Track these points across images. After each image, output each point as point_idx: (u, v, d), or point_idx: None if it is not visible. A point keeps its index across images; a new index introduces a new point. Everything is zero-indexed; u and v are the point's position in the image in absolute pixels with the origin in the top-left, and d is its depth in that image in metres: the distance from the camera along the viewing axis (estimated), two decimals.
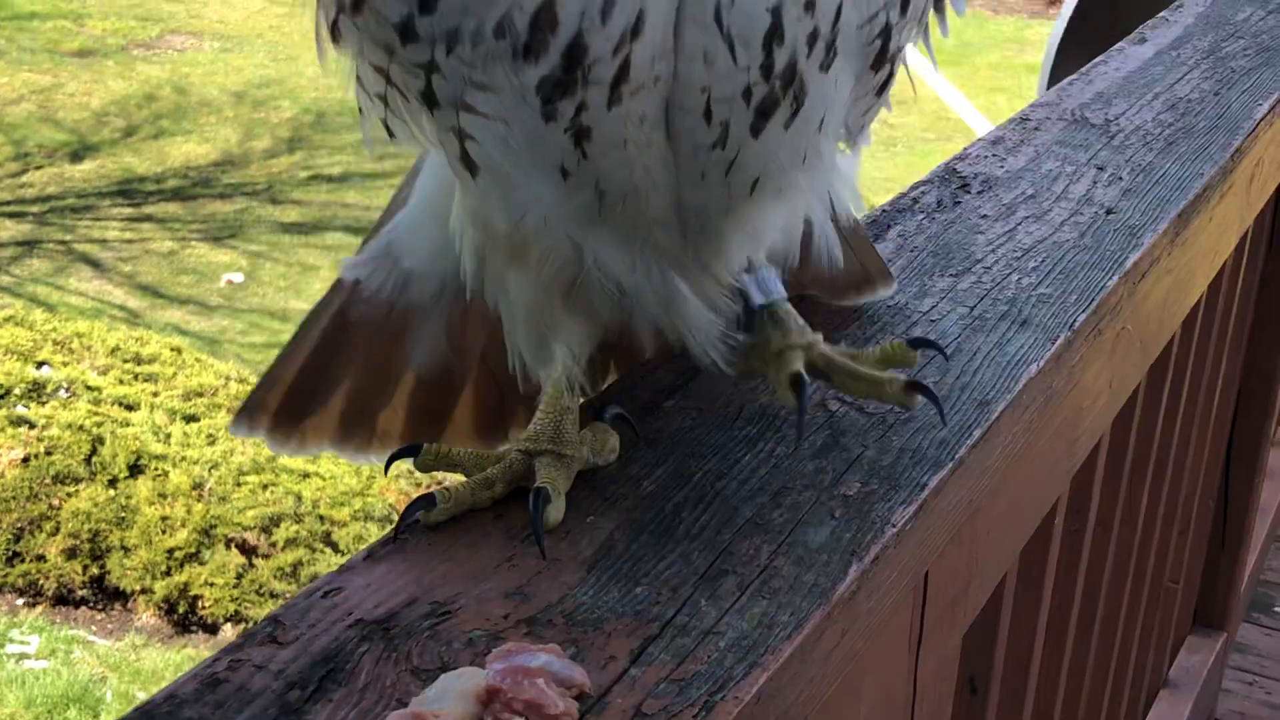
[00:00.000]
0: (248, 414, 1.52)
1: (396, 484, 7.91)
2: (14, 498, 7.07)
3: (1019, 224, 1.76)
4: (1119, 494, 2.24)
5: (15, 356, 8.06)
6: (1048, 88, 2.33)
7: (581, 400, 1.27)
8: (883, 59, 1.21)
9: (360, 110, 1.28)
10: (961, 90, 15.45)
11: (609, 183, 1.17)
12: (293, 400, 1.51)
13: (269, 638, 0.97)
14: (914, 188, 1.86)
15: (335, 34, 1.18)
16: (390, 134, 1.24)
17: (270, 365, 1.54)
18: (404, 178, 1.48)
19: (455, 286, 1.37)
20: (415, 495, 1.18)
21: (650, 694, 0.95)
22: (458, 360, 1.49)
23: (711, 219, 1.23)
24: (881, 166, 13.41)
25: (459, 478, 1.20)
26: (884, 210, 1.78)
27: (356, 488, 7.45)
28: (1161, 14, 2.73)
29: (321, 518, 7.31)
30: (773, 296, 1.33)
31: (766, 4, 1.09)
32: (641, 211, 1.20)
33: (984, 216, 1.78)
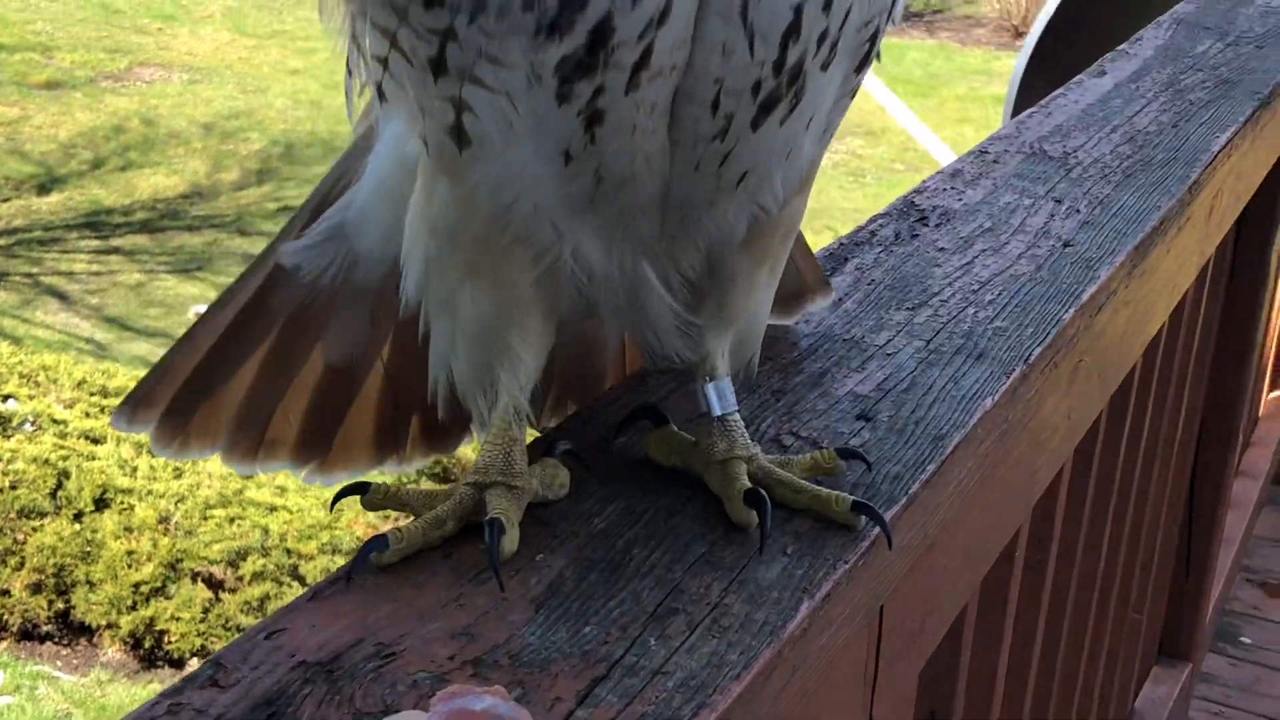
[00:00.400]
0: (130, 406, 1.42)
1: (365, 517, 7.88)
2: None
3: (976, 257, 1.76)
4: (1082, 524, 2.24)
5: None
6: (1012, 118, 2.34)
7: (530, 438, 1.26)
8: (866, 61, 1.25)
9: (348, 71, 1.26)
10: (929, 121, 15.52)
11: (608, 169, 1.17)
12: (184, 395, 1.41)
13: (210, 681, 0.95)
14: (872, 220, 1.86)
15: None
16: (382, 98, 1.21)
17: (165, 354, 1.43)
18: (341, 155, 1.42)
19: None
20: (385, 529, 1.16)
21: None
22: (367, 357, 1.43)
23: (694, 209, 1.24)
24: (850, 197, 13.46)
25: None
26: (841, 243, 1.78)
27: (324, 521, 7.42)
28: (1121, 47, 2.74)
29: (289, 551, 7.27)
30: (729, 409, 1.32)
31: (790, 1, 1.11)
32: (631, 200, 1.20)
33: (941, 249, 1.78)
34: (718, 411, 1.30)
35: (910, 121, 15.48)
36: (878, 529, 1.20)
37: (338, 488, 1.27)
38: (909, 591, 1.35)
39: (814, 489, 1.25)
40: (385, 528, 1.20)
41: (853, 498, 1.22)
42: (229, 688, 0.95)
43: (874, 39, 1.23)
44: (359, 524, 7.85)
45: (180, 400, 1.41)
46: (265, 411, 1.42)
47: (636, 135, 1.15)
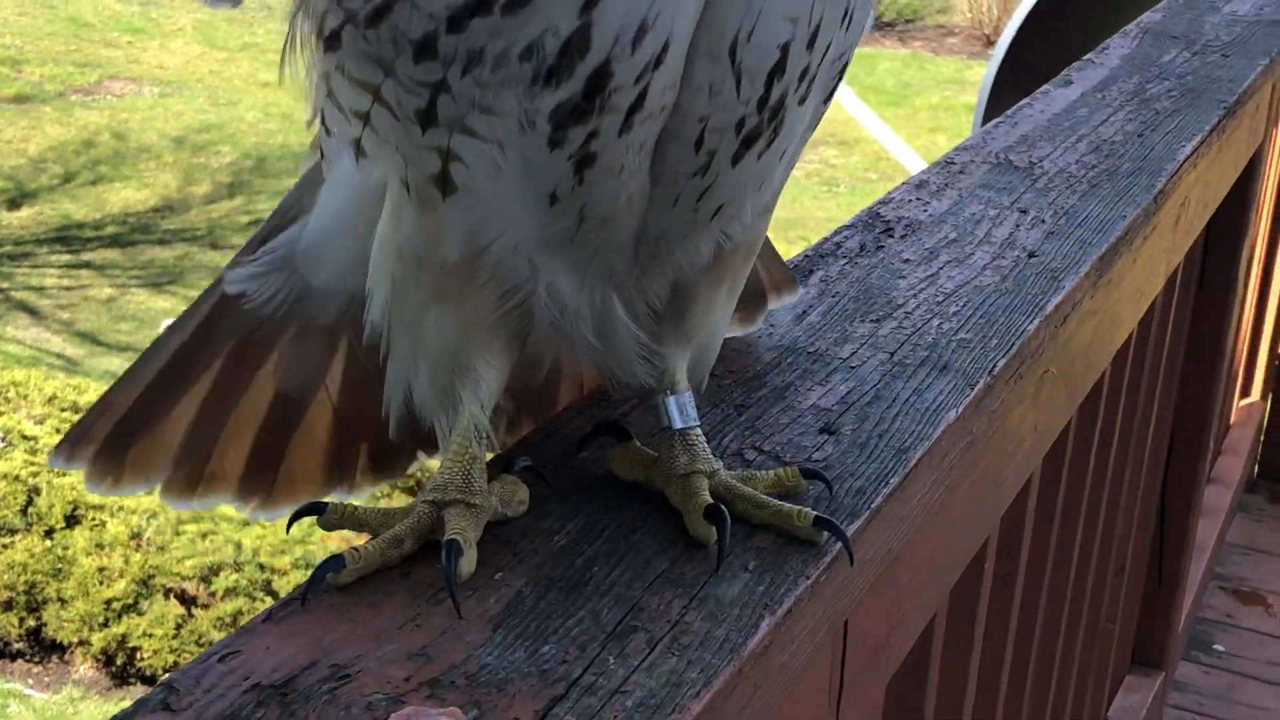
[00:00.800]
0: (69, 443, 1.38)
1: (340, 532, 7.83)
2: None
3: (941, 268, 1.75)
4: (1051, 535, 2.23)
5: None
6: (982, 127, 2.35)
7: (490, 454, 1.25)
8: (833, 92, 1.26)
9: (325, 128, 1.23)
10: (902, 131, 15.56)
11: (593, 209, 1.16)
12: (123, 429, 1.38)
13: (162, 704, 0.94)
14: (837, 232, 1.85)
15: (332, 43, 1.14)
16: (361, 154, 1.20)
17: (106, 390, 1.40)
18: (295, 185, 1.40)
19: (361, 304, 1.30)
20: (359, 542, 1.14)
21: None
22: (315, 388, 1.41)
23: (668, 243, 1.24)
24: (824, 206, 13.48)
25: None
26: (806, 255, 1.78)
27: (297, 536, 7.38)
28: (1088, 56, 2.74)
29: (262, 566, 7.24)
30: (690, 422, 1.31)
31: (778, 40, 1.11)
32: (609, 237, 1.20)
33: (906, 261, 1.77)
34: (679, 425, 1.29)
35: (883, 131, 15.51)
36: (840, 544, 1.19)
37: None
38: (874, 605, 1.34)
39: (776, 504, 1.24)
40: (360, 541, 1.18)
41: (815, 513, 1.21)
42: (181, 711, 0.93)
43: (844, 70, 1.24)
44: (333, 538, 7.81)
45: (117, 436, 1.38)
46: (206, 445, 1.39)
47: (623, 175, 1.15)
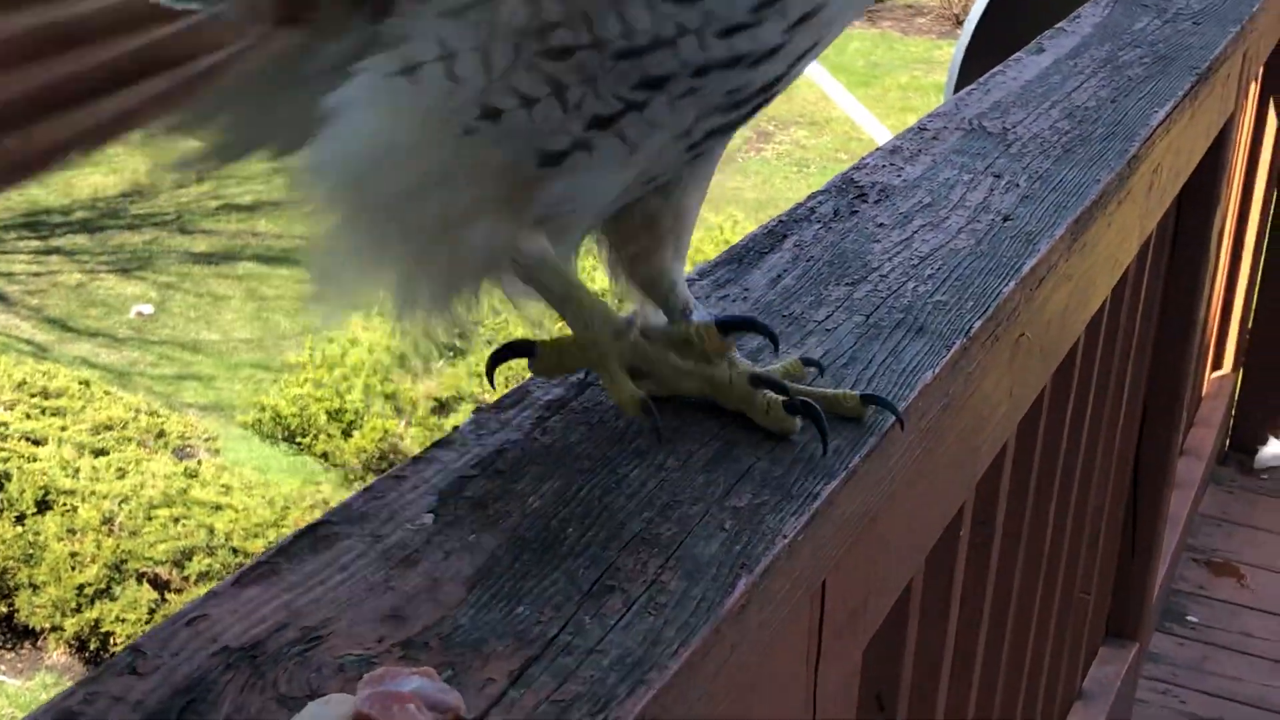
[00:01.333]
0: None
1: (313, 514, 7.81)
2: None
3: (915, 232, 1.74)
4: (1026, 503, 2.23)
5: None
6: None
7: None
8: None
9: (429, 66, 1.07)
10: (873, 110, 15.56)
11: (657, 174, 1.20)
12: None
13: (128, 668, 0.92)
14: (811, 197, 1.84)
15: (544, 46, 1.06)
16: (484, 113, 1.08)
17: None
18: None
19: None
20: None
21: (529, 716, 0.91)
22: None
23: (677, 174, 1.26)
24: (795, 186, 13.46)
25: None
26: (780, 220, 1.76)
27: (270, 519, 7.35)
28: (1059, 24, 2.73)
29: (235, 550, 7.20)
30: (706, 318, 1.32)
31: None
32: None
33: (881, 225, 1.76)
34: (705, 317, 1.31)
35: (854, 110, 15.49)
36: (817, 502, 1.18)
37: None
38: (851, 567, 1.33)
39: (820, 391, 1.30)
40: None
41: (859, 393, 1.30)
42: (147, 675, 0.91)
43: None
44: (306, 521, 7.77)
45: None
46: None
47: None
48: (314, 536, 1.08)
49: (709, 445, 1.26)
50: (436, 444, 1.22)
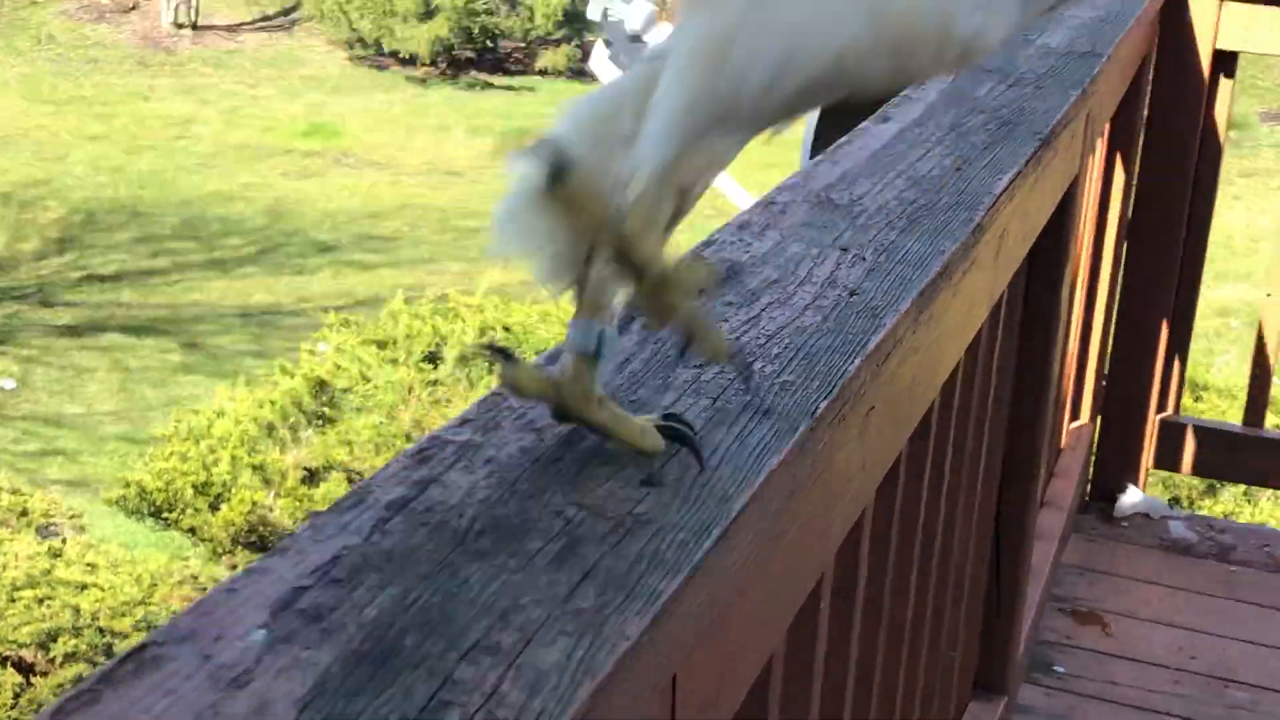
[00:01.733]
0: None
1: (181, 591, 7.66)
2: None
3: (763, 310, 1.74)
4: (888, 567, 2.24)
5: None
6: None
7: None
8: None
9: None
10: (734, 169, 15.68)
11: None
12: None
13: None
14: None
15: None
16: None
17: None
18: None
19: None
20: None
21: None
22: None
23: None
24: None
25: None
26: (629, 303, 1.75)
27: (137, 597, 7.19)
28: (905, 92, 2.77)
29: (102, 630, 7.04)
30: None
31: None
32: None
33: (729, 304, 1.76)
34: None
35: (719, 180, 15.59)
36: (661, 600, 1.16)
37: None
38: (703, 658, 1.31)
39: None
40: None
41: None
42: None
43: None
44: (174, 598, 7.64)
45: None
46: None
47: None
48: (139, 659, 1.04)
49: (554, 541, 1.24)
50: (270, 551, 1.19)
